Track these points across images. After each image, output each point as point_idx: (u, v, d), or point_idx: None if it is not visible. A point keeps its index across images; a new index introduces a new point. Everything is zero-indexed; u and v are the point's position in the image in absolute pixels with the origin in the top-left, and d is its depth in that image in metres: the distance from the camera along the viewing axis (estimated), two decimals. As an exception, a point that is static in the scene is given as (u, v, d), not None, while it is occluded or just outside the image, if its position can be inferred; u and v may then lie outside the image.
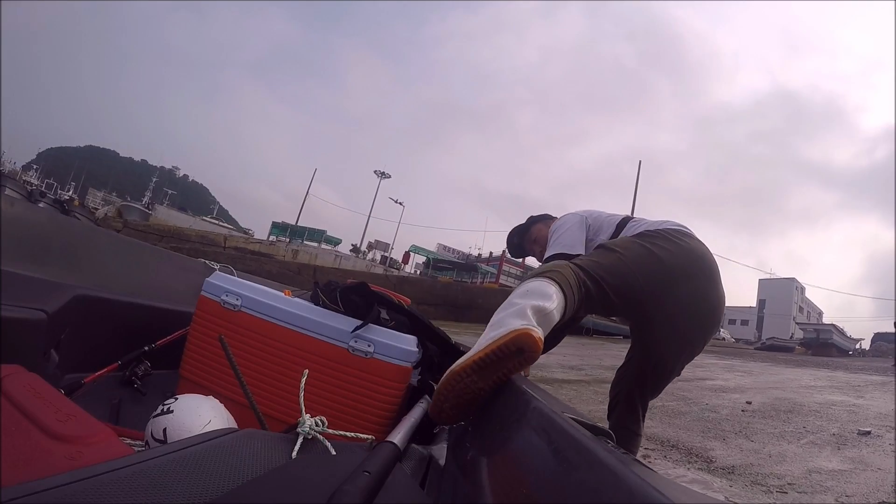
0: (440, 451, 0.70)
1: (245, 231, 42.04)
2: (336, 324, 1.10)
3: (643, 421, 1.56)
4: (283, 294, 1.18)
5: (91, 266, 1.37)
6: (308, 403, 1.01)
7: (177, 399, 0.91)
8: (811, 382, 6.57)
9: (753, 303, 59.27)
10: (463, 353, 1.30)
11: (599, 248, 1.33)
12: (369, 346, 1.07)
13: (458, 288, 20.19)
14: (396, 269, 31.97)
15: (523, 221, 1.84)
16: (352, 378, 1.07)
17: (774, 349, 22.75)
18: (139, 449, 0.84)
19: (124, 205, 35.54)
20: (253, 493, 0.38)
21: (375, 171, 35.14)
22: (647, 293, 1.27)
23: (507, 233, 1.85)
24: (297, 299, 1.17)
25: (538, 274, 1.15)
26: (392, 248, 36.61)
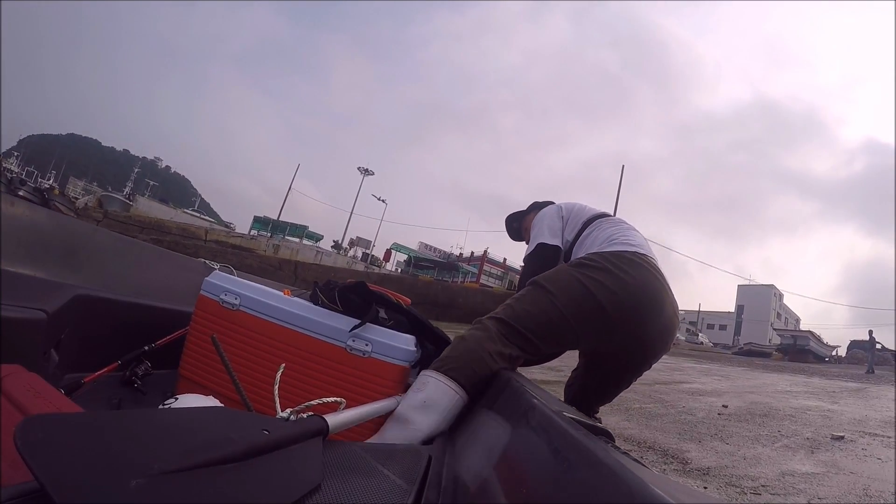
0: (440, 451, 0.70)
1: (226, 225, 41.55)
2: (334, 323, 1.11)
3: (596, 416, 1.56)
4: (282, 293, 1.19)
5: (91, 266, 1.37)
6: (289, 395, 1.03)
7: (177, 399, 0.92)
8: (787, 388, 6.64)
9: (732, 308, 59.84)
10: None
11: (533, 286, 1.23)
12: (367, 345, 1.07)
13: (438, 287, 20.08)
14: (377, 266, 31.87)
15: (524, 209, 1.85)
16: (349, 377, 1.07)
17: (752, 354, 22.75)
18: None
19: (105, 195, 35.15)
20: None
21: (359, 168, 34.85)
22: (584, 340, 1.21)
23: (505, 218, 1.85)
24: (296, 299, 1.18)
25: (443, 368, 1.03)
26: (374, 246, 36.44)
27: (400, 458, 0.60)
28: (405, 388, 1.10)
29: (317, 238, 32.93)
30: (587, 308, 1.16)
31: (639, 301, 1.20)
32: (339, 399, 0.71)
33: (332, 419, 0.59)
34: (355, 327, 1.08)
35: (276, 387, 0.68)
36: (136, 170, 52.49)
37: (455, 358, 1.05)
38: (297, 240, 30.40)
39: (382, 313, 1.16)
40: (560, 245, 1.47)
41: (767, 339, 42.94)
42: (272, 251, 25.62)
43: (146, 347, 1.25)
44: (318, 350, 1.09)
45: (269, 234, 30.09)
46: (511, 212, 1.87)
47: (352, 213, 33.10)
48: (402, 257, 35.21)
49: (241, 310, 1.16)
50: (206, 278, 1.22)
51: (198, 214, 39.71)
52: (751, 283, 59.28)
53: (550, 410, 0.57)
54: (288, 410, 0.63)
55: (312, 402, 0.62)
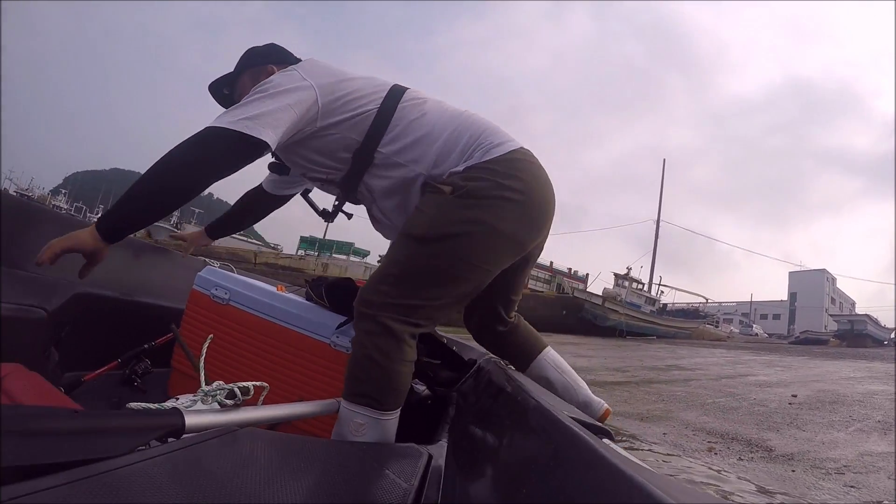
0: (440, 451, 0.70)
1: (273, 246, 41.64)
2: (320, 319, 1.12)
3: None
4: (273, 289, 1.20)
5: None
6: (288, 395, 1.05)
7: (177, 399, 0.92)
8: (850, 374, 6.62)
9: (784, 296, 58.14)
10: (457, 354, 1.31)
11: (412, 244, 0.88)
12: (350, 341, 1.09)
13: None
14: None
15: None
16: (332, 372, 1.08)
17: (809, 342, 22.10)
18: (139, 448, 0.85)
19: (154, 225, 35.53)
20: None
21: None
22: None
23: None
24: (288, 295, 1.19)
25: (360, 400, 0.84)
26: None
27: (400, 458, 0.60)
28: None
29: (363, 253, 32.91)
30: (479, 267, 0.91)
31: (548, 216, 1.00)
32: (263, 384, 0.70)
33: (193, 416, 0.53)
34: (341, 325, 1.09)
35: (202, 359, 0.67)
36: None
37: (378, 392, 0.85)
38: (344, 257, 30.58)
39: None
40: (272, 145, 0.88)
41: (823, 325, 42.06)
42: (321, 270, 25.67)
43: (146, 346, 1.25)
44: (302, 345, 1.11)
45: (316, 253, 30.36)
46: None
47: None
48: None
49: (231, 304, 1.18)
50: (199, 273, 1.24)
51: (244, 238, 40.01)
52: (802, 270, 57.76)
53: (550, 410, 0.57)
54: (218, 383, 0.63)
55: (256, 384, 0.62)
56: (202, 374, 0.68)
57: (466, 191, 0.89)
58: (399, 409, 0.89)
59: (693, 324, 24.73)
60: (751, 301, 57.53)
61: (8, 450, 0.34)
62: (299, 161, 1.02)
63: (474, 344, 1.43)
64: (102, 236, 0.89)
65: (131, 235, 1.08)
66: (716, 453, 2.42)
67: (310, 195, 1.27)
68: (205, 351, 0.72)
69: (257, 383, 0.74)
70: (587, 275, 36.66)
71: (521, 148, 0.98)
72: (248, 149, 0.87)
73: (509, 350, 1.28)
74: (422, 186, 0.94)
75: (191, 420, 0.52)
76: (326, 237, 32.23)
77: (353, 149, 0.96)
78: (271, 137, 0.87)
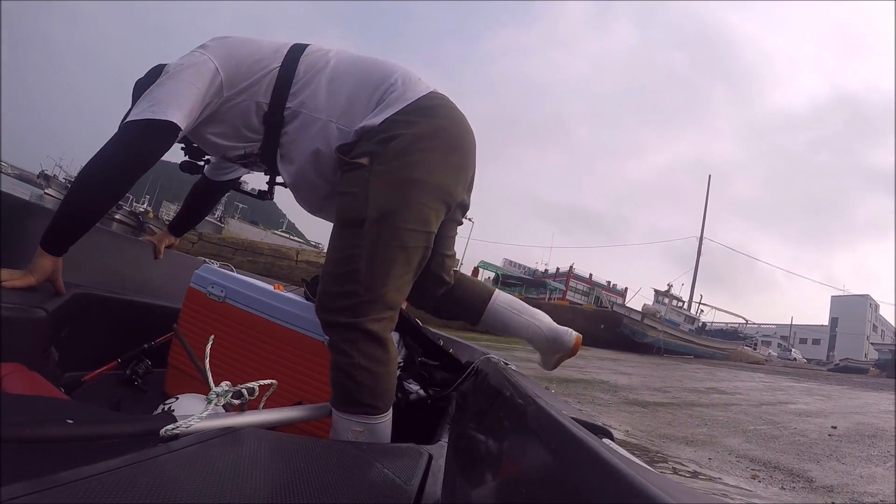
0: (440, 451, 0.70)
1: (315, 245, 41.64)
2: (315, 317, 1.12)
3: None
4: (269, 287, 1.21)
5: (91, 264, 1.37)
6: (285, 394, 1.05)
7: (178, 399, 0.92)
8: (890, 407, 6.64)
9: (824, 320, 56.69)
10: (453, 357, 1.31)
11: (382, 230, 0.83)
12: None
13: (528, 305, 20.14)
14: None
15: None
16: (327, 371, 1.08)
17: (849, 371, 21.66)
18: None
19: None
20: None
21: None
22: None
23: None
24: (286, 293, 1.20)
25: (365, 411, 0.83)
26: (461, 264, 36.40)
27: (400, 458, 0.60)
28: None
29: None
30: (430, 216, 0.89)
31: (471, 159, 0.97)
32: (271, 381, 0.72)
33: (197, 422, 0.53)
34: None
35: (207, 360, 0.68)
36: (227, 194, 52.43)
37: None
38: None
39: None
40: (179, 123, 0.87)
41: (864, 353, 41.29)
42: None
43: (146, 345, 1.25)
44: (297, 343, 1.12)
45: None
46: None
47: None
48: (490, 275, 34.71)
49: (227, 302, 1.18)
50: (196, 271, 1.25)
51: (287, 235, 40.01)
52: (844, 294, 56.39)
53: (550, 409, 0.57)
54: (225, 384, 0.64)
55: (261, 383, 0.63)
56: (209, 376, 0.68)
57: (387, 154, 0.84)
58: (391, 407, 0.88)
59: (731, 345, 24.28)
60: (790, 324, 55.94)
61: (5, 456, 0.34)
62: (215, 140, 0.98)
63: (472, 344, 1.43)
64: (51, 253, 0.92)
65: (131, 236, 1.10)
66: (759, 481, 2.48)
67: (241, 184, 1.25)
68: (208, 352, 0.72)
69: (264, 382, 0.74)
70: (626, 289, 36.58)
71: (434, 91, 0.93)
72: (157, 134, 0.87)
73: (458, 307, 1.21)
74: (338, 162, 0.87)
75: (185, 424, 0.51)
76: None
77: (263, 112, 0.93)
78: (177, 116, 0.87)
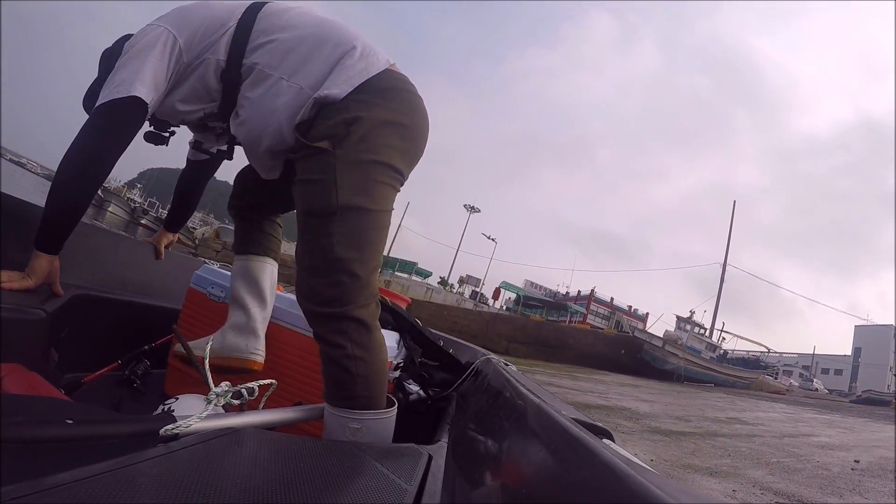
0: (440, 451, 0.70)
1: None
2: None
3: None
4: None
5: (90, 265, 1.37)
6: (284, 393, 1.05)
7: (177, 399, 0.92)
8: None
9: (848, 351, 55.90)
10: (453, 358, 1.31)
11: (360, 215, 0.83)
12: None
13: (549, 328, 19.83)
14: (486, 304, 31.37)
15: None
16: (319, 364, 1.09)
17: (871, 403, 21.63)
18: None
19: (222, 227, 35.50)
20: None
21: (465, 206, 35.47)
22: None
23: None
24: (284, 294, 1.20)
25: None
26: (483, 284, 35.71)
27: (400, 458, 0.60)
28: (392, 383, 1.12)
29: (425, 274, 33.07)
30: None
31: (423, 148, 0.96)
32: (271, 381, 0.74)
33: (196, 423, 0.54)
34: None
35: (207, 361, 0.69)
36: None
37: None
38: (406, 275, 30.81)
39: None
40: (145, 98, 0.89)
41: (886, 385, 40.91)
42: (384, 286, 25.89)
43: (146, 347, 1.25)
44: (296, 343, 1.12)
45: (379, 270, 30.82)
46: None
47: (458, 249, 33.66)
48: (511, 295, 34.61)
49: (227, 302, 1.18)
50: (196, 271, 1.25)
51: None
52: (868, 324, 55.72)
53: (550, 410, 0.57)
54: (225, 384, 0.64)
55: (260, 383, 0.63)
56: (209, 377, 0.68)
57: (350, 139, 0.83)
58: (394, 405, 0.87)
59: (752, 374, 23.99)
60: (813, 354, 55.28)
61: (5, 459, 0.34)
62: (178, 107, 0.97)
63: (471, 344, 1.43)
64: (46, 251, 0.93)
65: (131, 236, 1.10)
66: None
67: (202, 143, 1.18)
68: (208, 352, 0.73)
69: (263, 381, 0.74)
70: (647, 314, 36.28)
71: (393, 68, 0.92)
72: (125, 111, 0.88)
73: None
74: (297, 143, 0.85)
75: (185, 425, 0.52)
76: (391, 254, 32.53)
77: (220, 70, 0.92)
78: (142, 91, 0.88)
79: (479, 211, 36.26)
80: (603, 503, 0.34)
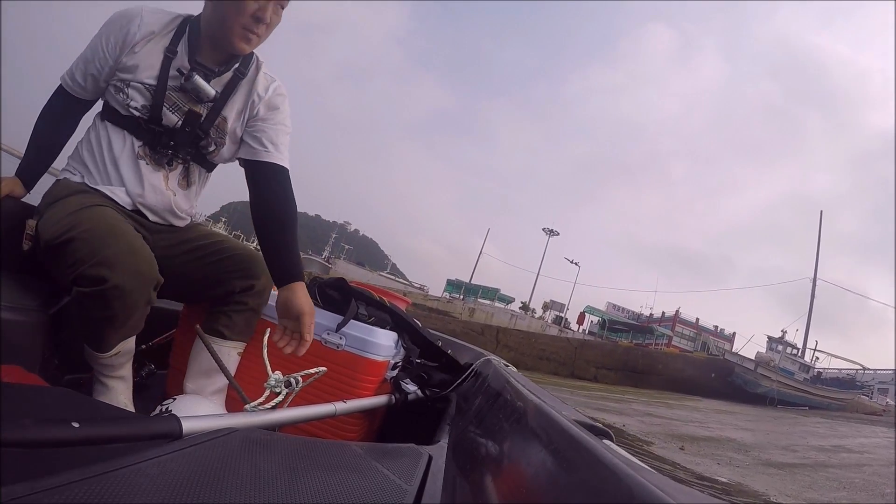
0: (440, 451, 0.70)
1: (420, 287, 41.49)
2: (315, 318, 1.13)
3: None
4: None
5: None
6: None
7: (175, 399, 0.92)
8: None
9: None
10: (452, 358, 1.31)
11: None
12: (341, 338, 1.10)
13: (638, 353, 19.27)
14: (570, 329, 30.46)
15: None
16: (328, 372, 1.09)
17: None
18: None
19: (305, 258, 35.53)
20: None
21: (544, 229, 35.18)
22: None
23: None
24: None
25: None
26: (568, 309, 35.07)
27: (400, 458, 0.60)
28: (381, 382, 1.13)
29: (508, 300, 32.84)
30: None
31: None
32: (320, 369, 0.81)
33: (202, 421, 0.55)
34: (341, 325, 1.10)
35: (265, 351, 0.71)
36: (335, 235, 55.62)
37: None
38: (489, 302, 30.69)
39: (363, 310, 1.18)
40: (77, 93, 1.00)
41: None
42: (468, 314, 25.73)
43: (143, 346, 1.25)
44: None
45: (461, 297, 30.79)
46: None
47: (538, 273, 33.25)
48: (595, 319, 33.62)
49: None
50: None
51: (392, 277, 40.07)
52: None
53: (550, 411, 0.57)
54: (277, 373, 0.66)
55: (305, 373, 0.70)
56: (267, 364, 0.72)
57: None
58: None
59: (848, 395, 22.80)
60: None
61: (8, 460, 0.34)
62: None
63: (471, 345, 1.43)
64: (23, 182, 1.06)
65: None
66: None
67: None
68: (266, 342, 0.76)
69: (313, 370, 0.77)
70: (734, 333, 34.44)
71: None
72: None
73: None
74: None
75: (188, 425, 0.52)
76: (472, 281, 32.71)
77: None
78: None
79: (558, 234, 36.04)
80: (603, 503, 0.34)
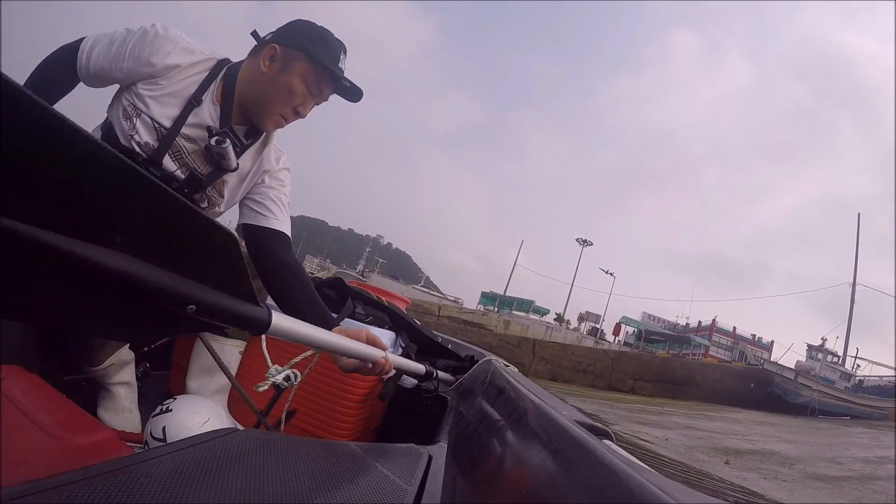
0: (440, 451, 0.70)
1: (454, 300, 40.69)
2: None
3: None
4: None
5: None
6: (285, 395, 1.06)
7: (175, 399, 0.92)
8: None
9: None
10: (453, 353, 1.31)
11: None
12: None
13: (676, 364, 18.86)
14: (606, 341, 30.03)
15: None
16: (323, 368, 1.09)
17: None
18: (139, 449, 0.85)
19: (340, 271, 34.87)
20: None
21: (577, 239, 34.86)
22: None
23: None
24: None
25: None
26: (603, 320, 34.44)
27: (400, 458, 0.60)
28: (377, 381, 1.12)
29: (543, 312, 32.57)
30: None
31: None
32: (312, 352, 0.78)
33: (291, 323, 0.58)
34: (334, 323, 1.09)
35: (264, 345, 0.72)
36: (368, 249, 55.65)
37: None
38: (524, 314, 30.42)
39: (360, 309, 1.18)
40: (80, 73, 0.93)
41: None
42: (503, 327, 25.40)
43: (144, 348, 1.25)
44: (297, 346, 1.12)
45: (496, 309, 30.32)
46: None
47: (573, 284, 32.82)
48: (631, 329, 33.20)
49: None
50: None
51: (426, 290, 40.14)
52: None
53: (550, 411, 0.57)
54: (276, 367, 0.70)
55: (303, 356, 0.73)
56: (267, 356, 0.73)
57: None
58: None
59: (891, 404, 21.70)
60: None
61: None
62: None
63: (471, 345, 1.44)
64: None
65: None
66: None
67: None
68: (264, 339, 0.76)
69: (307, 353, 0.77)
70: (772, 342, 33.64)
71: None
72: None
73: None
74: None
75: (277, 320, 0.52)
76: (507, 293, 32.38)
77: None
78: None
79: (592, 244, 35.65)
80: (603, 503, 0.34)
